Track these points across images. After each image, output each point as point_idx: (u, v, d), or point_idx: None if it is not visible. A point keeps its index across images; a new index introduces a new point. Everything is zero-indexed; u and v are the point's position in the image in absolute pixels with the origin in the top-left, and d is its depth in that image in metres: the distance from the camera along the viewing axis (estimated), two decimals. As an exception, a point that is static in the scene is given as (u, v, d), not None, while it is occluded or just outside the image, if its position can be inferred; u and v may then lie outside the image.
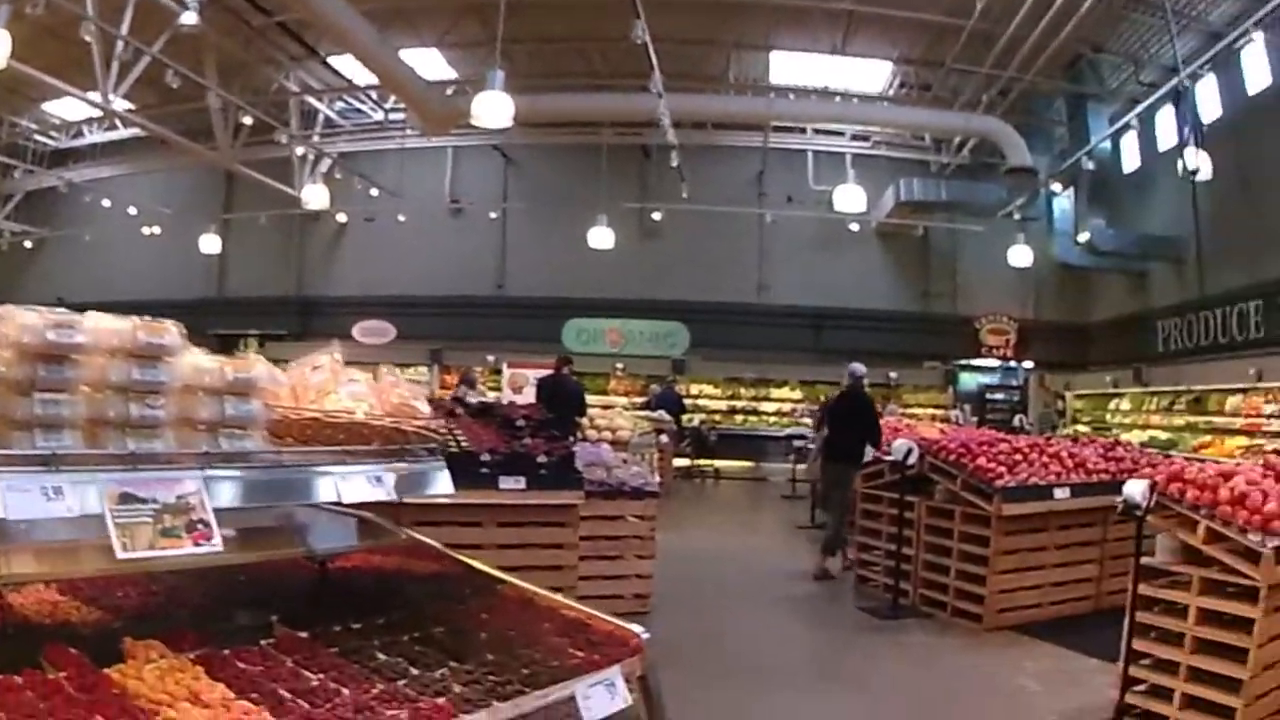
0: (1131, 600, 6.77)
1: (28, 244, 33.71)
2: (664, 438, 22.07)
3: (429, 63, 24.56)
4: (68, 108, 28.23)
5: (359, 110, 30.73)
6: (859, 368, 13.78)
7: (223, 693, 2.85)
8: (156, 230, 30.74)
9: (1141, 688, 6.75)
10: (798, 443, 23.15)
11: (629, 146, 29.35)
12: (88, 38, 17.57)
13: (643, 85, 19.66)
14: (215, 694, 2.84)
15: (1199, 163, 18.82)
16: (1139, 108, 21.06)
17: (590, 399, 20.75)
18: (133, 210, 30.49)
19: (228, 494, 3.00)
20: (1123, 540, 9.97)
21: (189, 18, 17.61)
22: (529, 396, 16.68)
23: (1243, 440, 19.22)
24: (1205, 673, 6.35)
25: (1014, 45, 21.17)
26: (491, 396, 17.09)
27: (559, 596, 3.93)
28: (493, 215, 31.15)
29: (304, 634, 3.41)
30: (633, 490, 10.23)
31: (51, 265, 32.78)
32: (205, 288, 32.42)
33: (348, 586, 4.08)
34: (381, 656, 3.29)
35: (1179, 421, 22.34)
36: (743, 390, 31.78)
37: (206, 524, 2.79)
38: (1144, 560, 6.86)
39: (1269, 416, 19.38)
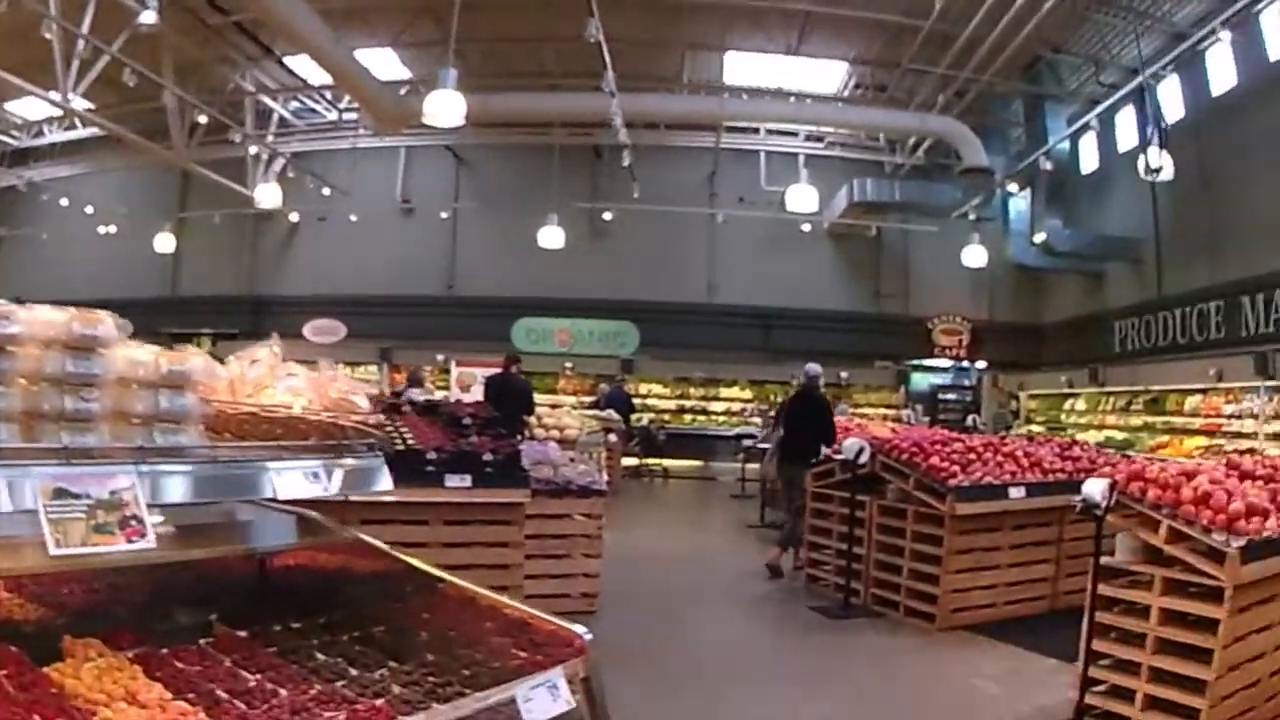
0: (1091, 600, 6.80)
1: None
2: (612, 437, 22.05)
3: (384, 62, 24.48)
4: (28, 107, 28.02)
5: (313, 110, 30.62)
6: (815, 368, 13.78)
7: (160, 693, 2.80)
8: (113, 229, 30.54)
9: (1101, 688, 6.77)
10: (747, 442, 23.22)
11: (581, 147, 29.42)
12: (49, 35, 17.47)
13: (596, 85, 19.63)
14: (152, 694, 2.79)
15: (1162, 162, 18.94)
16: (1100, 108, 21.29)
17: (539, 398, 20.77)
18: (90, 209, 30.23)
19: (162, 490, 2.93)
20: (1079, 540, 10.07)
21: (148, 17, 17.47)
22: (478, 395, 16.57)
23: (1202, 440, 19.48)
24: (1168, 673, 6.37)
25: (972, 46, 21.30)
26: (440, 395, 16.99)
27: (502, 597, 3.88)
28: (444, 215, 31.15)
29: (243, 633, 3.36)
30: (579, 489, 10.19)
31: (9, 264, 32.33)
32: (160, 287, 32.16)
33: (289, 585, 4.02)
34: (321, 657, 3.24)
35: (1135, 421, 22.59)
36: (692, 390, 31.90)
37: (140, 520, 2.73)
38: (1103, 560, 6.89)
39: (1229, 417, 19.63)
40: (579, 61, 21.68)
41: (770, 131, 30.64)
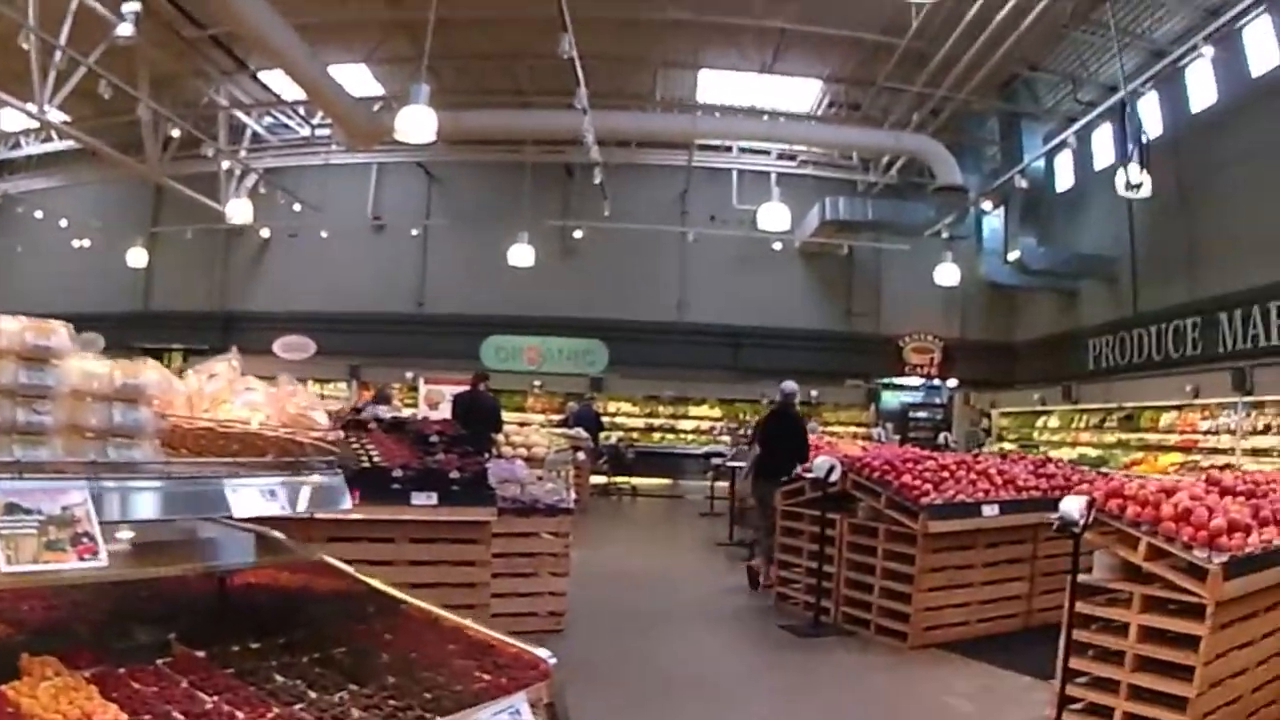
0: (1068, 618, 6.76)
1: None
2: (581, 455, 22.02)
3: (357, 78, 24.43)
4: (4, 119, 27.85)
5: (286, 125, 30.50)
6: (791, 385, 13.84)
7: (115, 714, 2.74)
8: (86, 243, 30.35)
9: (1078, 706, 6.76)
10: (715, 461, 23.25)
11: (552, 164, 29.37)
12: (26, 46, 17.35)
13: (569, 103, 19.67)
14: (108, 715, 2.73)
15: (1142, 179, 18.98)
16: (1077, 124, 21.18)
17: (508, 416, 20.83)
18: (64, 223, 30.09)
19: (115, 506, 2.86)
20: (1054, 557, 10.15)
21: (125, 29, 17.45)
22: (445, 413, 16.51)
23: (1177, 456, 19.59)
24: (1147, 690, 6.36)
25: (948, 64, 21.28)
26: (407, 413, 16.92)
27: (466, 619, 3.82)
28: (414, 232, 31.06)
29: (201, 653, 3.29)
30: (547, 507, 10.12)
31: (-15, 277, 32.13)
32: (131, 301, 31.89)
33: (248, 604, 3.94)
34: (279, 679, 3.17)
35: (1109, 439, 22.68)
36: (661, 408, 31.92)
37: (92, 537, 2.67)
38: (1081, 578, 6.87)
39: (1205, 433, 19.73)
40: (552, 78, 21.67)
41: (743, 150, 30.66)
